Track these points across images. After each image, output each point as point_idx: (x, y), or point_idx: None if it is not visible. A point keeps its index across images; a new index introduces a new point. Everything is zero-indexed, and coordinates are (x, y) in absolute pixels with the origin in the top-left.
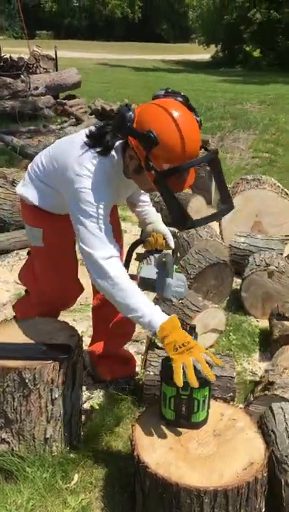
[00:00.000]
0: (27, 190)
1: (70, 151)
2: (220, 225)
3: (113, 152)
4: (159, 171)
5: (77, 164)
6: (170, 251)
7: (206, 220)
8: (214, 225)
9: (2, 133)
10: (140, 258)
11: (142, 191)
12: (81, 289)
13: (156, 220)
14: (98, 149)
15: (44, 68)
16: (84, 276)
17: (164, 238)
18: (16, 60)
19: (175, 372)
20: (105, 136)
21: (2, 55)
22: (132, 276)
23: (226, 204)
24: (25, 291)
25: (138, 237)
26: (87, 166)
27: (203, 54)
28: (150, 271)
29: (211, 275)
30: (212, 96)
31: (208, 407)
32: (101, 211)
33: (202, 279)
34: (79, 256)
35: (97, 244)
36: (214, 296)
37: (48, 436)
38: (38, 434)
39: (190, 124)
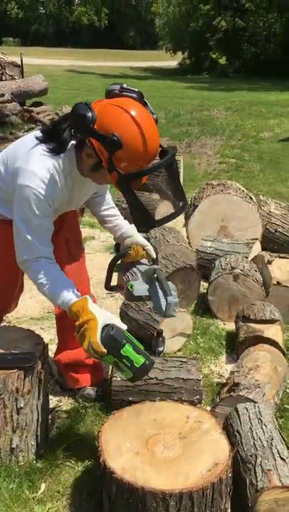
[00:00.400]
0: None
1: (21, 147)
2: (187, 229)
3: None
4: (123, 174)
5: (24, 159)
6: (156, 265)
7: (166, 219)
8: (181, 229)
9: None
10: (121, 269)
11: (105, 206)
12: (21, 291)
13: (133, 233)
14: (51, 146)
15: (10, 75)
16: None
17: (145, 249)
18: None
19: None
20: (61, 133)
21: None
22: (116, 288)
23: (182, 201)
24: None
25: (107, 243)
26: (33, 161)
27: (170, 61)
28: (141, 287)
29: (178, 279)
30: (179, 102)
31: (138, 353)
32: (40, 210)
33: None
34: None
35: (25, 245)
36: (182, 300)
37: (13, 446)
38: (4, 444)
39: (150, 125)
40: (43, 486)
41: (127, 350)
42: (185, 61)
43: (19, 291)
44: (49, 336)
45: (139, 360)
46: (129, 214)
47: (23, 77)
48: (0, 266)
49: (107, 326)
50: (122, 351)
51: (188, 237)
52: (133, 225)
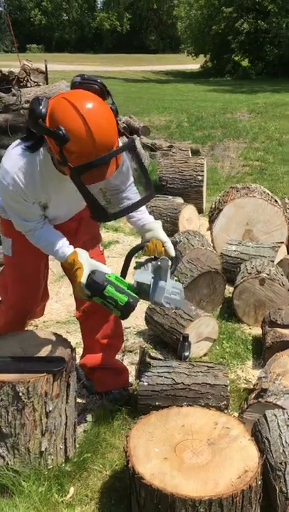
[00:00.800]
0: None
1: (10, 146)
2: (211, 233)
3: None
4: (72, 167)
5: (4, 157)
6: (167, 257)
7: (126, 210)
8: (206, 233)
9: None
10: (138, 265)
11: (129, 201)
12: (46, 298)
13: (155, 227)
14: (28, 143)
15: (35, 81)
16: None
17: (164, 246)
18: (7, 74)
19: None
20: (35, 137)
21: None
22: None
23: (148, 191)
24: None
25: (131, 247)
26: (8, 160)
27: (192, 64)
28: (145, 276)
29: (204, 284)
30: (202, 106)
31: (121, 293)
32: (16, 201)
33: (194, 288)
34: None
35: (17, 223)
36: (207, 304)
37: (43, 449)
38: (33, 447)
39: (99, 117)
40: (71, 490)
41: (109, 290)
42: (207, 64)
43: (44, 297)
44: (75, 339)
45: (122, 299)
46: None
47: (47, 84)
48: (20, 262)
49: (93, 272)
50: (104, 292)
51: (213, 241)
52: (158, 221)
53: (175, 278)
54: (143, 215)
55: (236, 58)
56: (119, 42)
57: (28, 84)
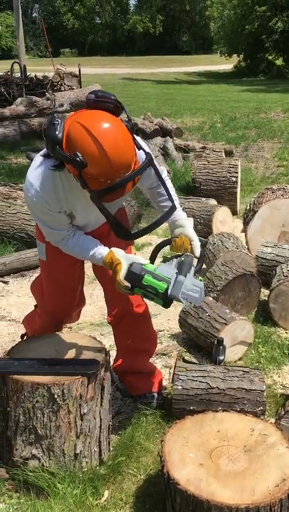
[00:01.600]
0: None
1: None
2: (246, 235)
3: None
4: (92, 190)
5: (29, 169)
6: (193, 256)
7: (147, 230)
8: (240, 235)
9: (29, 151)
10: (164, 260)
11: (161, 198)
12: (82, 303)
13: (186, 224)
14: (50, 162)
15: (68, 85)
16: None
17: (191, 244)
18: (41, 78)
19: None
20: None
21: (28, 74)
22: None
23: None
24: (35, 306)
25: (163, 250)
26: (34, 171)
27: (225, 65)
28: (167, 270)
29: (238, 287)
30: (235, 106)
31: (159, 281)
32: (41, 213)
33: (229, 291)
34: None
35: (48, 234)
36: (242, 307)
37: (77, 451)
38: (68, 449)
39: (115, 139)
40: (106, 493)
41: (147, 279)
42: (240, 64)
43: (80, 302)
44: (109, 342)
45: (162, 286)
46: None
47: (81, 87)
48: (54, 266)
49: (130, 264)
50: (143, 281)
51: (247, 243)
52: (190, 219)
53: (199, 278)
54: (176, 211)
55: (270, 57)
56: (152, 44)
57: (62, 88)
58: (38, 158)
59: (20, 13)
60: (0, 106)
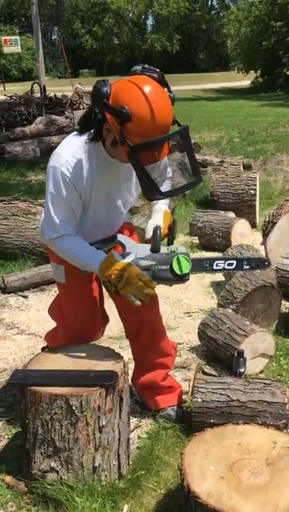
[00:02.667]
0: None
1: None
2: (265, 247)
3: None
4: (131, 146)
5: (59, 148)
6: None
7: (175, 191)
8: (260, 247)
9: None
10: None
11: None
12: (106, 321)
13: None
14: (87, 135)
15: (87, 104)
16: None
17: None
18: (60, 97)
19: (130, 300)
20: (89, 120)
21: (47, 93)
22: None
23: (196, 177)
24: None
25: None
26: (61, 147)
27: (243, 81)
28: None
29: (258, 298)
30: (253, 121)
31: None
32: (65, 189)
33: (249, 303)
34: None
35: (50, 223)
36: (262, 320)
37: (96, 464)
38: (87, 462)
39: (161, 100)
40: (125, 508)
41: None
42: (258, 80)
43: (104, 320)
44: (128, 355)
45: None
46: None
47: None
48: (75, 288)
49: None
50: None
51: (267, 255)
52: (163, 210)
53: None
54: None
55: (288, 72)
56: (169, 62)
57: (81, 107)
58: (69, 136)
59: (40, 35)
60: (20, 125)
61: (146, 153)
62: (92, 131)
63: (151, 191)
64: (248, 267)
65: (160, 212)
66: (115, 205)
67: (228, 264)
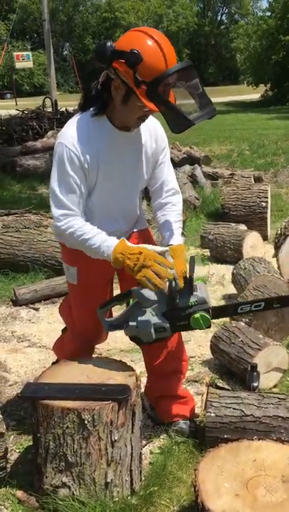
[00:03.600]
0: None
1: None
2: (277, 259)
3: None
4: (149, 82)
5: (65, 126)
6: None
7: (200, 118)
8: (272, 260)
9: None
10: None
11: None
12: None
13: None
14: (92, 110)
15: None
16: None
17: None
18: (72, 111)
19: (146, 286)
20: (91, 93)
21: (59, 108)
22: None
23: (210, 105)
24: (62, 330)
25: None
26: (66, 125)
27: (252, 94)
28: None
29: (271, 312)
30: (263, 133)
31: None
32: (71, 166)
33: (262, 316)
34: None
35: (58, 205)
36: (275, 333)
37: (108, 480)
38: (99, 478)
39: (166, 40)
40: None
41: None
42: (267, 93)
43: None
44: (140, 368)
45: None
46: (166, 122)
47: None
48: (86, 289)
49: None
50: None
51: (279, 268)
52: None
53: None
54: (166, 217)
55: None
56: None
57: None
58: (73, 117)
59: (52, 51)
60: (32, 139)
61: (164, 86)
62: (94, 107)
63: (178, 122)
64: (278, 305)
65: (179, 255)
66: (126, 186)
67: (256, 306)
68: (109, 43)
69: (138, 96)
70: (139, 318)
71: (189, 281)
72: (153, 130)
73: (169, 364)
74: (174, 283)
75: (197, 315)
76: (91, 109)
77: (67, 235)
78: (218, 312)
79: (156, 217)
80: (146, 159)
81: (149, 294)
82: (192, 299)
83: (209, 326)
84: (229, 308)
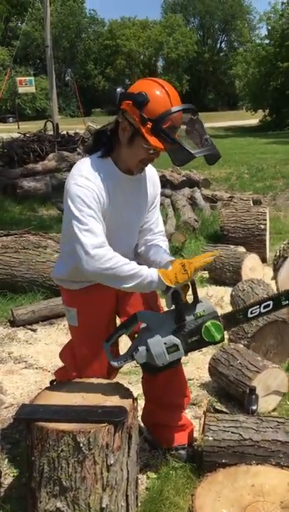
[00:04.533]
0: (56, 269)
1: None
2: (276, 282)
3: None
4: (154, 119)
5: (74, 169)
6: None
7: (202, 152)
8: (270, 282)
9: (59, 202)
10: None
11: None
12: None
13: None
14: (99, 153)
15: None
16: None
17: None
18: (73, 135)
19: (202, 264)
20: (99, 139)
21: (60, 131)
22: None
23: (213, 148)
24: (50, 382)
25: None
26: (75, 168)
27: (251, 119)
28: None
29: (270, 334)
30: (262, 157)
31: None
32: (90, 202)
33: (261, 338)
34: None
35: (86, 241)
36: (274, 356)
37: (103, 505)
38: (94, 503)
39: (171, 87)
40: None
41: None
42: (266, 118)
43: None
44: (137, 390)
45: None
46: (170, 158)
47: None
48: (88, 332)
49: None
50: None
51: (278, 290)
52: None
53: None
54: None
55: None
56: None
57: None
58: (79, 161)
59: (54, 76)
60: (33, 161)
61: (169, 124)
62: (101, 150)
63: (182, 155)
64: (287, 301)
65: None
66: (127, 227)
67: (265, 307)
68: (119, 89)
69: (143, 134)
70: (149, 341)
71: (193, 293)
72: (151, 175)
73: (170, 398)
74: (178, 297)
75: (208, 323)
76: (98, 152)
77: (107, 266)
78: (228, 319)
79: (142, 250)
80: (146, 203)
81: (155, 314)
82: (199, 309)
83: (223, 338)
84: (239, 313)
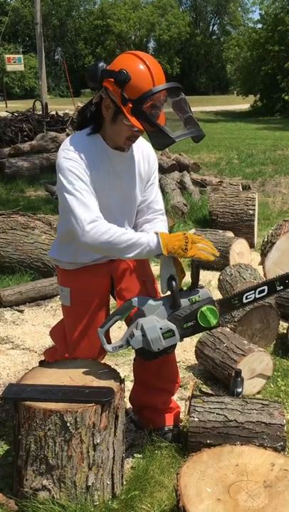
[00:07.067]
0: (53, 249)
1: None
2: (264, 267)
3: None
4: (135, 99)
5: (62, 145)
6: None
7: (185, 135)
8: (258, 267)
9: (48, 183)
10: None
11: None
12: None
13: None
14: (88, 129)
15: None
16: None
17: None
18: (62, 115)
19: (205, 258)
20: (86, 114)
21: (49, 111)
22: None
23: (197, 127)
24: (40, 362)
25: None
26: (64, 143)
27: (242, 104)
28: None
29: (256, 318)
30: (252, 143)
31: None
32: (80, 174)
33: (247, 322)
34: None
35: (80, 212)
36: (260, 339)
37: (89, 484)
38: (80, 481)
39: (155, 63)
40: None
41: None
42: (257, 103)
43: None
44: (124, 372)
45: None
46: (149, 139)
47: None
48: (79, 312)
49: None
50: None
51: (265, 275)
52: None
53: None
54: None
55: (286, 97)
56: None
57: None
58: (69, 136)
59: (43, 55)
60: (21, 141)
61: (150, 104)
62: (90, 127)
63: (160, 139)
64: (281, 287)
65: (169, 258)
66: (120, 203)
67: (260, 292)
68: (100, 64)
69: (124, 114)
70: (145, 326)
71: (196, 277)
72: (146, 151)
73: (160, 383)
74: (174, 282)
75: (204, 308)
76: (86, 128)
77: (104, 239)
78: (224, 304)
79: (142, 230)
80: (139, 179)
81: (151, 299)
82: (194, 295)
83: (218, 323)
84: (234, 299)
